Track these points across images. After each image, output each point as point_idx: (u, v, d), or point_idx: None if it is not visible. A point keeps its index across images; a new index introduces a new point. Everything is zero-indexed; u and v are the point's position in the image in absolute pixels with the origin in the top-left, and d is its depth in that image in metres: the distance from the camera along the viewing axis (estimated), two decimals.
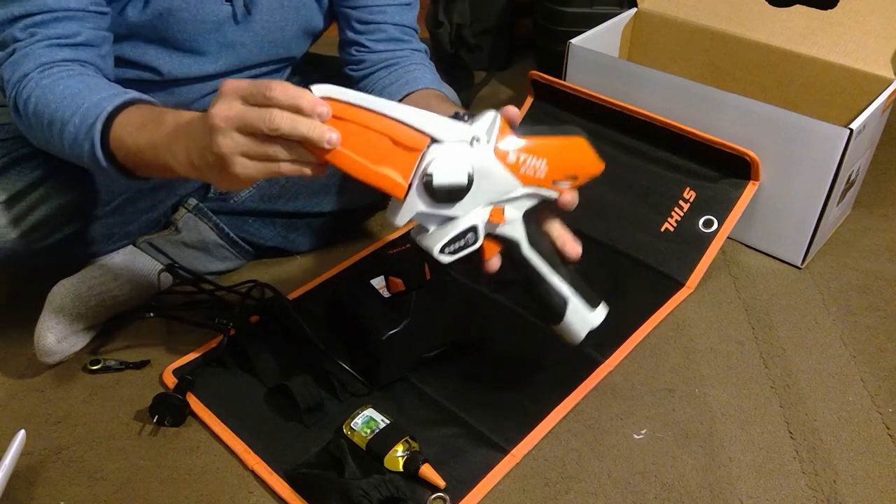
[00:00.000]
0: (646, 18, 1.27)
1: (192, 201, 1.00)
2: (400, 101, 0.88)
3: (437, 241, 0.65)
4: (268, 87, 0.56)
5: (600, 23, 1.24)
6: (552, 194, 0.69)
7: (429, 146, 0.61)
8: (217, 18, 0.88)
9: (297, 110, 0.56)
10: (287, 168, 0.59)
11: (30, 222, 0.85)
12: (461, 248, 0.66)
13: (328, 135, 0.57)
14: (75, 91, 0.72)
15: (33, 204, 0.85)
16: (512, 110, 0.66)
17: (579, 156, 0.69)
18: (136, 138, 0.68)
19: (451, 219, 0.65)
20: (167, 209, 1.00)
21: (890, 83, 1.02)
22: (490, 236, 0.68)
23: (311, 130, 0.56)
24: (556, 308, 0.73)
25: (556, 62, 1.21)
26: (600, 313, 0.75)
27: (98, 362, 0.89)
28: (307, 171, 0.59)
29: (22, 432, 0.74)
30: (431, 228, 0.65)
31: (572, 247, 0.72)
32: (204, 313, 0.92)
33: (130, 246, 0.97)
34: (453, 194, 0.62)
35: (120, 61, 0.88)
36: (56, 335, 0.86)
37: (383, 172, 0.60)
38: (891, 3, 1.05)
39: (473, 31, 1.58)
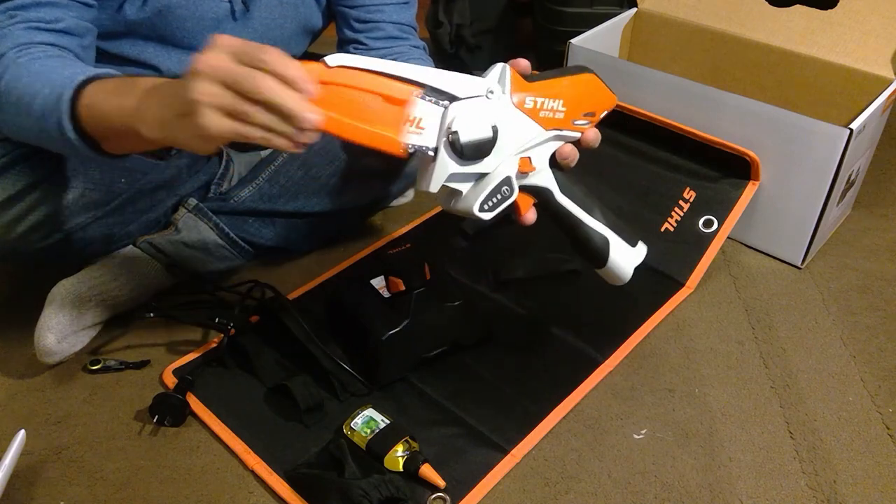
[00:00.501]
0: (646, 18, 1.27)
1: (192, 201, 1.00)
2: None
3: (474, 200, 0.64)
4: (262, 49, 0.54)
5: (600, 23, 1.24)
6: (574, 135, 0.69)
7: (448, 105, 0.61)
8: (216, 15, 0.88)
9: (284, 80, 0.54)
10: (257, 134, 0.56)
11: (30, 222, 0.85)
12: (499, 203, 0.66)
13: (307, 114, 0.55)
14: (50, 68, 0.70)
15: (33, 204, 0.85)
16: (522, 62, 0.65)
17: (593, 91, 0.69)
18: (104, 103, 0.65)
19: (481, 177, 0.65)
20: (167, 209, 1.00)
21: (890, 83, 1.02)
22: (523, 188, 0.68)
23: (293, 104, 0.54)
24: (600, 249, 0.74)
25: (556, 62, 1.21)
26: (642, 249, 0.76)
27: (98, 362, 0.89)
28: (278, 142, 0.56)
29: (22, 432, 0.74)
30: (464, 190, 0.65)
31: (570, 152, 0.69)
32: (204, 313, 0.92)
33: (130, 246, 0.97)
34: (481, 149, 0.62)
35: (119, 59, 0.88)
36: (56, 335, 0.86)
37: (377, 133, 0.59)
38: (891, 3, 1.05)
39: (473, 31, 1.58)
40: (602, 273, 0.77)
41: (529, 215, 0.70)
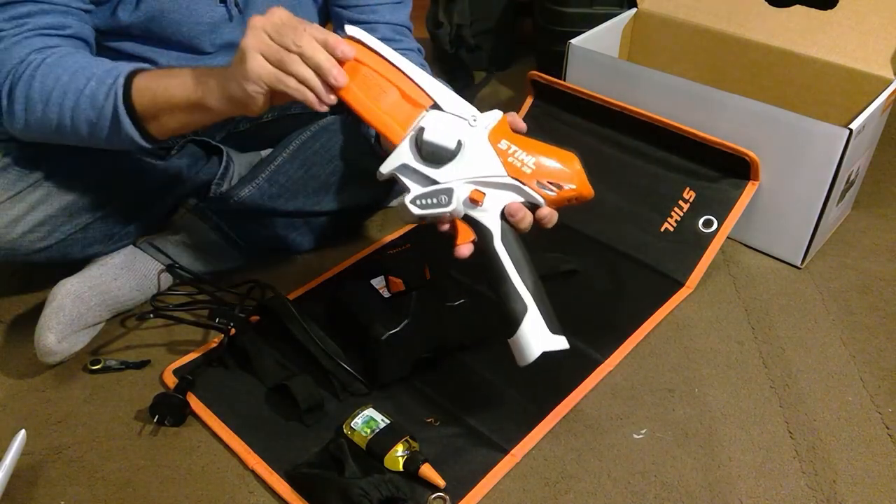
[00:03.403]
0: (646, 18, 1.27)
1: (192, 201, 1.00)
2: None
3: (412, 193, 0.68)
4: (304, 21, 0.67)
5: (600, 23, 1.24)
6: (535, 196, 0.69)
7: (428, 109, 0.67)
8: (212, 20, 0.88)
9: (323, 44, 0.66)
10: (293, 84, 0.66)
11: (30, 222, 0.85)
12: (431, 206, 0.68)
13: (336, 72, 0.66)
14: (84, 64, 0.75)
15: (34, 204, 0.85)
16: (519, 122, 0.70)
17: (567, 166, 0.70)
18: (164, 81, 0.73)
19: (432, 183, 0.68)
20: (167, 209, 1.00)
21: (890, 83, 1.02)
22: (466, 219, 0.69)
23: (326, 61, 0.66)
24: (515, 314, 0.70)
25: (556, 62, 1.21)
26: (560, 341, 0.71)
27: (98, 362, 0.89)
28: (311, 96, 0.67)
29: (22, 432, 0.74)
30: (412, 189, 0.68)
31: (524, 218, 0.70)
32: (204, 313, 0.92)
33: (130, 246, 0.97)
34: (438, 154, 0.66)
35: (116, 54, 0.89)
36: (56, 335, 0.86)
37: (385, 118, 0.67)
38: (891, 3, 1.05)
39: (473, 31, 1.58)
40: (511, 344, 0.71)
41: (464, 249, 0.70)
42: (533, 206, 0.70)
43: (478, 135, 0.67)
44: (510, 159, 0.68)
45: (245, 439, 0.79)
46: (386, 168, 0.67)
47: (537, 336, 0.70)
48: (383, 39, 0.95)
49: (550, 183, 0.69)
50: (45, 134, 0.78)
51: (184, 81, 0.72)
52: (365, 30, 0.95)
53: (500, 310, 0.71)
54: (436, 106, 0.67)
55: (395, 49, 0.96)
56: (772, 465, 0.77)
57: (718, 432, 0.81)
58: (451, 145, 0.66)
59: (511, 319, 0.70)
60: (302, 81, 0.66)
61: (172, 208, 1.01)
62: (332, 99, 0.67)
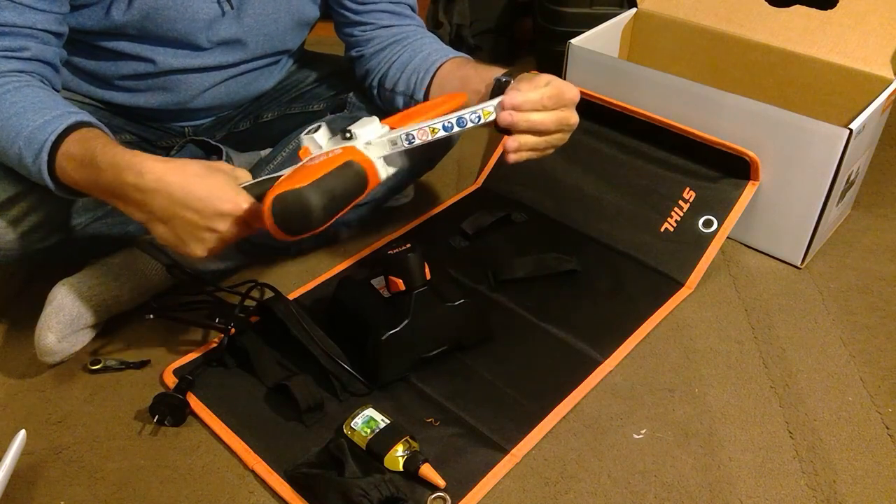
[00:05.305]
0: (646, 18, 1.27)
1: None
2: (434, 73, 0.93)
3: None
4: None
5: (600, 23, 1.24)
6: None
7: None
8: (207, 16, 0.88)
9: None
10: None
11: (30, 223, 0.85)
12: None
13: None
14: (19, 110, 0.75)
15: (33, 205, 0.85)
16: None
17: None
18: (77, 178, 0.74)
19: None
20: None
21: (890, 83, 1.02)
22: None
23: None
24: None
25: (556, 62, 1.21)
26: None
27: (98, 362, 0.89)
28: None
29: (22, 432, 0.74)
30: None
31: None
32: (204, 313, 0.92)
33: (130, 246, 0.96)
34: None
35: (114, 55, 0.89)
36: (56, 335, 0.86)
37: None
38: (891, 3, 1.05)
39: (473, 31, 1.58)
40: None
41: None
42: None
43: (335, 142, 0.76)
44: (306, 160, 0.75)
45: (245, 439, 0.79)
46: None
47: None
48: (393, 14, 0.98)
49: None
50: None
51: (98, 186, 0.73)
52: (364, 9, 0.97)
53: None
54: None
55: (409, 25, 0.99)
56: (772, 465, 0.77)
57: (718, 432, 0.81)
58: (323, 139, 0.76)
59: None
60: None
61: None
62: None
